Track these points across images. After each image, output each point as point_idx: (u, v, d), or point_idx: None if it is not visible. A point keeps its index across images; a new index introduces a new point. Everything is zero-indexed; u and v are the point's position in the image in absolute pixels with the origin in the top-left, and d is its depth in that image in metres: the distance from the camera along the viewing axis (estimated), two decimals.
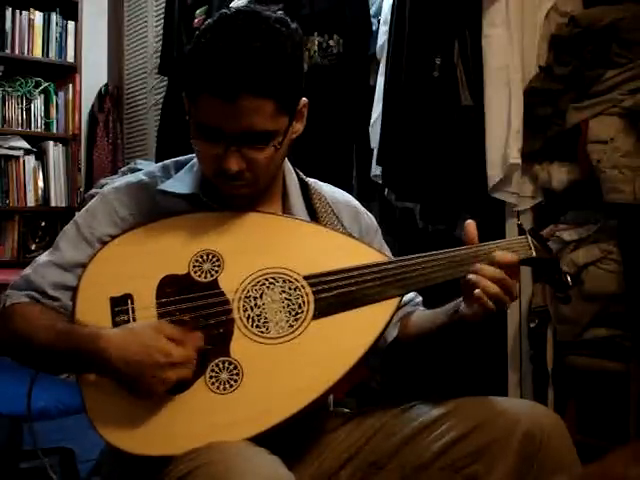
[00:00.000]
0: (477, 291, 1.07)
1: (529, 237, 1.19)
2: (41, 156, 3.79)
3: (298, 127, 1.18)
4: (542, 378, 2.04)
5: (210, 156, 1.11)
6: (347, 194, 1.37)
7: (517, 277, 1.12)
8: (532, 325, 2.05)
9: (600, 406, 1.95)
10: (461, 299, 1.14)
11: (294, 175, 1.28)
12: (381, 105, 2.34)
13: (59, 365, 1.14)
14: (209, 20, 1.11)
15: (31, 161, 3.75)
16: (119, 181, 1.27)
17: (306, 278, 1.11)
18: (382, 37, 2.41)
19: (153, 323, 1.08)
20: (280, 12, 1.13)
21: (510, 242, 1.19)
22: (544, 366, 2.02)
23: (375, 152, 2.37)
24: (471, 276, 1.09)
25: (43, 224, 3.75)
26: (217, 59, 1.04)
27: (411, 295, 1.28)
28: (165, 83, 3.45)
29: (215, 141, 1.08)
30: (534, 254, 1.17)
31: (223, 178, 1.12)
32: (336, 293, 1.10)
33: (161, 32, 3.39)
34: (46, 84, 3.80)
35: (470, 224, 1.15)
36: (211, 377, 1.05)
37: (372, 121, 2.41)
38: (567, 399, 2.00)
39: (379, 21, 2.48)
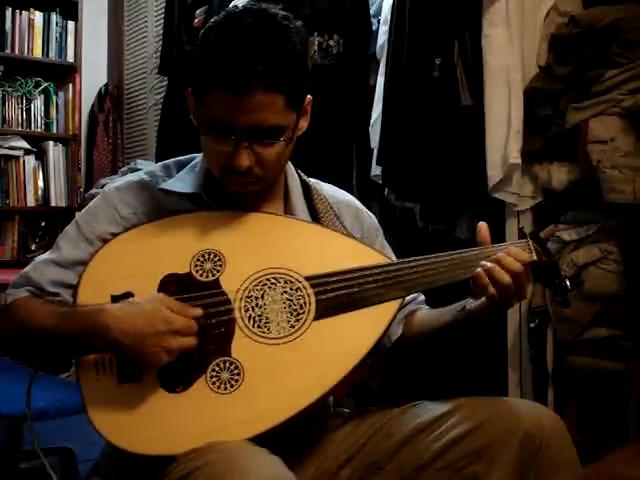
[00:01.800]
0: (483, 276, 1.07)
1: (530, 241, 1.20)
2: (41, 156, 3.79)
3: (303, 124, 1.18)
4: (542, 378, 2.04)
5: (220, 153, 1.11)
6: (348, 194, 1.37)
7: (528, 278, 1.12)
8: (532, 325, 2.05)
9: (600, 406, 1.95)
10: (468, 298, 1.14)
11: (296, 176, 1.29)
12: (381, 105, 2.34)
13: (62, 352, 1.14)
14: (215, 18, 1.12)
15: (31, 161, 3.74)
16: (120, 181, 1.27)
17: (307, 279, 1.11)
18: (382, 37, 2.41)
19: (153, 295, 1.08)
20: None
21: (512, 245, 1.19)
22: (544, 366, 2.02)
23: (375, 152, 2.37)
24: (488, 263, 1.08)
25: (43, 224, 3.75)
26: (228, 54, 1.04)
27: (414, 294, 1.27)
28: (165, 83, 3.45)
29: (225, 137, 1.08)
30: (535, 258, 1.17)
31: (231, 175, 1.12)
32: (337, 294, 1.11)
33: (161, 32, 3.39)
34: (46, 84, 3.79)
35: (483, 226, 1.16)
36: (212, 377, 1.05)
37: (372, 121, 2.41)
38: (567, 399, 2.00)
39: (379, 21, 2.48)
